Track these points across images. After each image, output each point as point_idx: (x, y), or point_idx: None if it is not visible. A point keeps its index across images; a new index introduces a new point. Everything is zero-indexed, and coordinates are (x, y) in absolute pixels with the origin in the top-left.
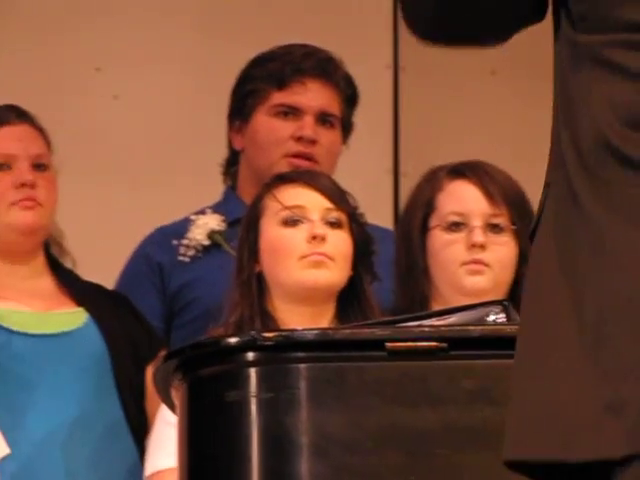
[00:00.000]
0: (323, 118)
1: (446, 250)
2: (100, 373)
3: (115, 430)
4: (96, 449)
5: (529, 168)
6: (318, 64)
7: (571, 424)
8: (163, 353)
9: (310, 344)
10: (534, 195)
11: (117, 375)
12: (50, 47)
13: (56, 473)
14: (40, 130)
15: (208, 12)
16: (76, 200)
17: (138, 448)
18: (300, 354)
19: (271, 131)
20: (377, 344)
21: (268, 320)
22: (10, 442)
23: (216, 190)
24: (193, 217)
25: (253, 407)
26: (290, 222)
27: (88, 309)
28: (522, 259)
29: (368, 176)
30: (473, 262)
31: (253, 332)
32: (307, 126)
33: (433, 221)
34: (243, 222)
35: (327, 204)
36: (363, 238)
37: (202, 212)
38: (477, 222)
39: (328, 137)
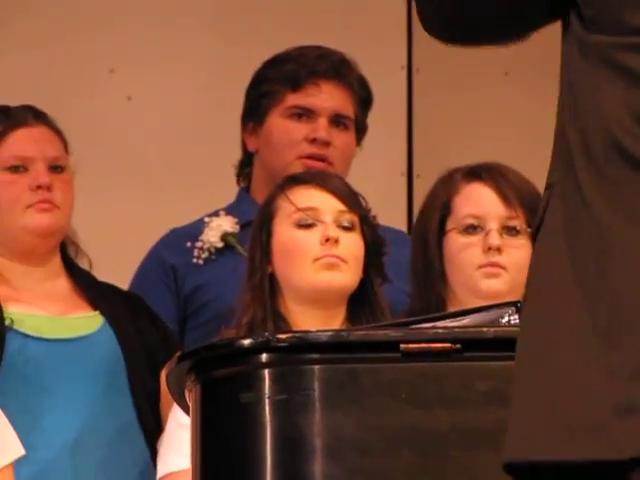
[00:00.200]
0: (337, 120)
1: (462, 253)
2: (115, 377)
3: (128, 433)
4: (109, 452)
5: (544, 169)
6: (332, 66)
7: (579, 424)
8: (177, 355)
9: (324, 345)
10: None
11: (131, 379)
12: (64, 48)
13: (70, 475)
14: (57, 132)
15: (222, 13)
16: (89, 201)
17: (151, 451)
18: (314, 355)
19: (285, 133)
20: (391, 345)
21: (280, 322)
22: (26, 446)
23: (230, 191)
24: (207, 219)
25: (267, 408)
26: (303, 224)
27: (103, 312)
28: None
29: (382, 178)
30: (489, 265)
31: (267, 333)
32: (321, 128)
33: (449, 224)
34: (255, 222)
35: (340, 206)
36: (374, 240)
37: (216, 214)
38: (493, 225)
39: (342, 139)
